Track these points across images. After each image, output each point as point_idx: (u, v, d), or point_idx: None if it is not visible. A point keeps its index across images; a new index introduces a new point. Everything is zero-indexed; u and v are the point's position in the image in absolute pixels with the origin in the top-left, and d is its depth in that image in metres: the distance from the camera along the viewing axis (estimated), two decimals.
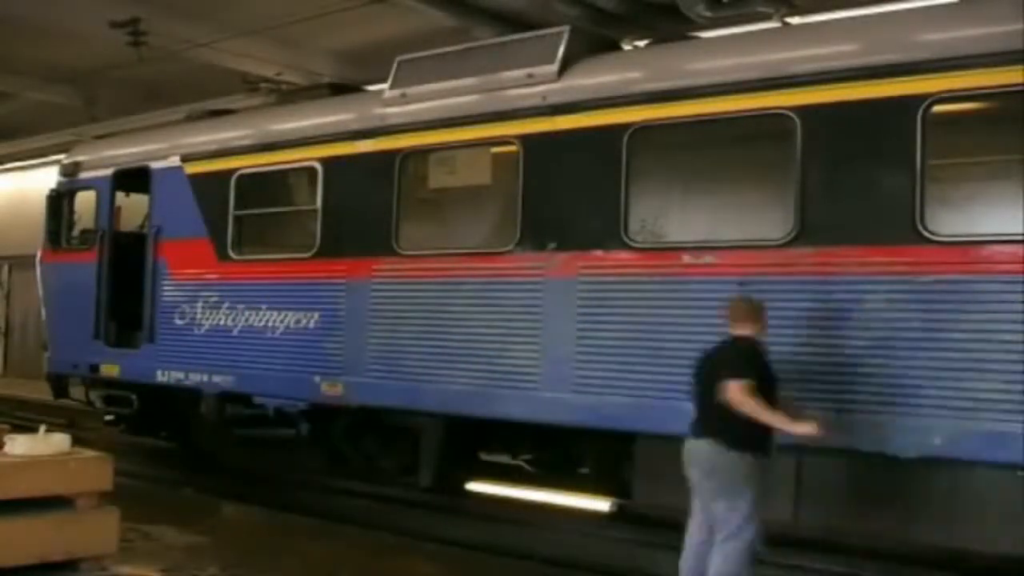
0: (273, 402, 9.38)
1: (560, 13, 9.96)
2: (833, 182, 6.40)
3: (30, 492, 5.83)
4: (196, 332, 9.91)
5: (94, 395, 11.45)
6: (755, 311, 5.88)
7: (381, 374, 8.42)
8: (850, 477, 6.50)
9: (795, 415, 5.67)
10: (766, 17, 8.37)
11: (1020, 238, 5.69)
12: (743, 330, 5.82)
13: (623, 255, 7.17)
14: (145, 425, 11.29)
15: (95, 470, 6.09)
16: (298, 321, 9.05)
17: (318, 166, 9.10)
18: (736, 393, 5.52)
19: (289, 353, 9.09)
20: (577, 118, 7.51)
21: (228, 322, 9.63)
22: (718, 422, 5.64)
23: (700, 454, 5.73)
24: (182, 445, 11.56)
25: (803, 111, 6.46)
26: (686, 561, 5.84)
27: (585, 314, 7.28)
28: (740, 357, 5.71)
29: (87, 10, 12.70)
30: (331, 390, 8.75)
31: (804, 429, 5.58)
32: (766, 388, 5.64)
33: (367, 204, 8.67)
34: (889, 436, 5.96)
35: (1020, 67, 5.69)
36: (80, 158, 11.79)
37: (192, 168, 10.30)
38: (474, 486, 9.14)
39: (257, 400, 9.50)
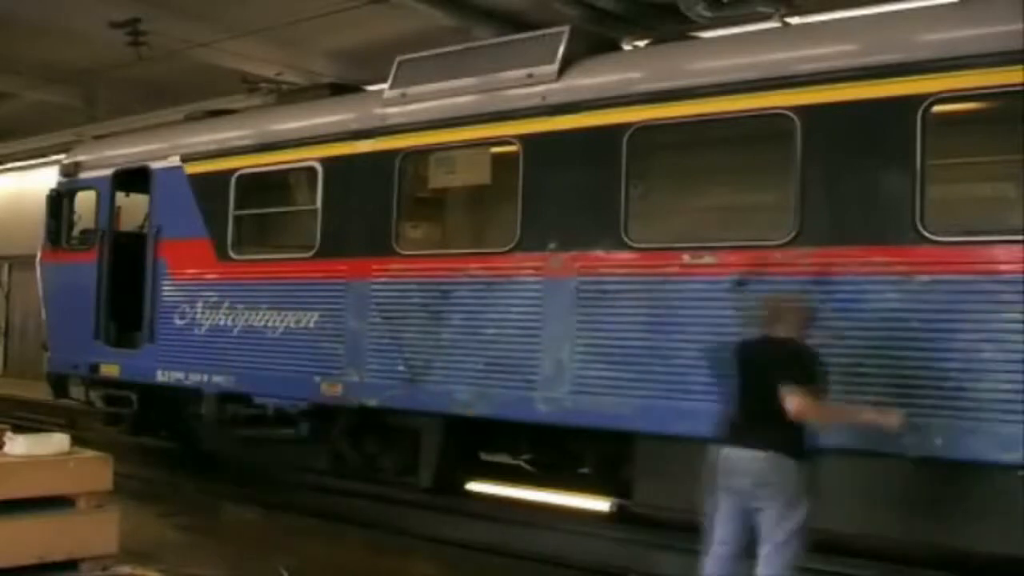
0: (273, 402, 9.38)
1: (560, 13, 9.96)
2: (833, 182, 6.39)
3: (30, 492, 5.82)
4: (196, 332, 9.91)
5: (94, 395, 11.44)
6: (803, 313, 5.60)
7: (381, 374, 8.42)
8: (850, 477, 6.49)
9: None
10: (766, 17, 8.35)
11: (1020, 238, 5.69)
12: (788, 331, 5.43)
13: (623, 255, 7.16)
14: (145, 425, 11.28)
15: (95, 470, 6.08)
16: (298, 321, 9.05)
17: (318, 166, 9.09)
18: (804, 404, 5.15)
19: (289, 353, 9.09)
20: (577, 118, 7.50)
21: (228, 322, 9.62)
22: (776, 431, 5.24)
23: (753, 464, 5.27)
24: (182, 445, 11.55)
25: (803, 111, 6.46)
26: (712, 568, 5.46)
27: (585, 314, 7.28)
28: (800, 360, 5.32)
29: (87, 10, 12.69)
30: (331, 390, 8.75)
31: (892, 419, 5.54)
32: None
33: (367, 204, 8.66)
34: (890, 436, 5.95)
35: (1020, 67, 5.69)
36: (80, 158, 11.79)
37: (192, 168, 10.30)
38: (474, 486, 9.13)
39: (257, 400, 9.50)
